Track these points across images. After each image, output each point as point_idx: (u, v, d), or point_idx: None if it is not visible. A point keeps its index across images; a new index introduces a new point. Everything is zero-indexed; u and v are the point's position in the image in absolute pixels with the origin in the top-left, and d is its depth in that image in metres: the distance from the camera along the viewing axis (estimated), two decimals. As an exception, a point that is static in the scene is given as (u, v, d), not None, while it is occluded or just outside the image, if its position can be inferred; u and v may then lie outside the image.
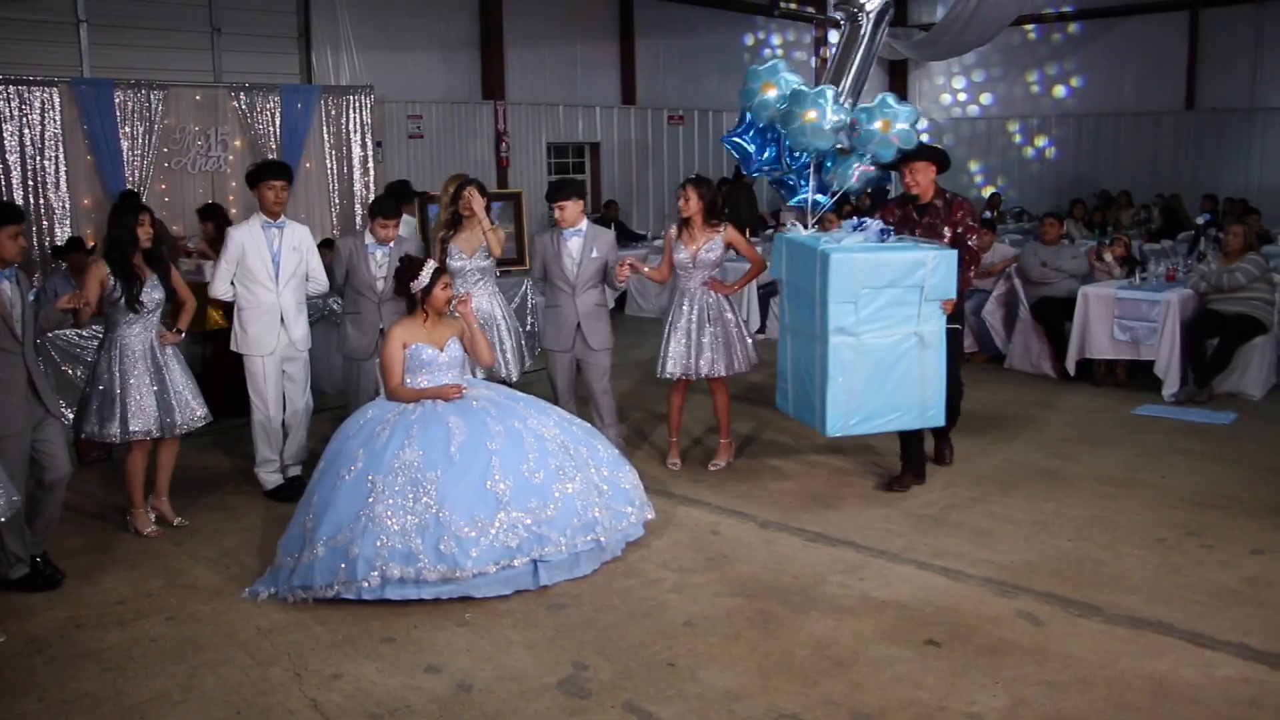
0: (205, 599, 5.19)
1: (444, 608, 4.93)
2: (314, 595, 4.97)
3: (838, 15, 6.65)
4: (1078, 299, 9.29)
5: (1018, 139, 20.69)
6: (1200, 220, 14.02)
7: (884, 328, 6.01)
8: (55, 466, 5.36)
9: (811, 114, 6.73)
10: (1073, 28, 19.88)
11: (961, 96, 21.52)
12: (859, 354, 6.00)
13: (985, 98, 21.19)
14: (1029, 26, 19.97)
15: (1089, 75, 19.85)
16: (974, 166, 21.26)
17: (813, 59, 19.97)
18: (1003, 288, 10.24)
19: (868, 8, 6.57)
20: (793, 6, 18.55)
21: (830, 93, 6.89)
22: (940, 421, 6.33)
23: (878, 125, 6.63)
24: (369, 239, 6.87)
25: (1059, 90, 20.22)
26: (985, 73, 21.01)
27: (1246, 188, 17.30)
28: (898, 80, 21.95)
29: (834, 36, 20.03)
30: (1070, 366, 9.41)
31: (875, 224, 6.34)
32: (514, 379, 7.14)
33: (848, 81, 6.42)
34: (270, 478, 6.72)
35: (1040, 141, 20.43)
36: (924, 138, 21.66)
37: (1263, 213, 14.66)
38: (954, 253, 6.11)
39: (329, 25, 12.86)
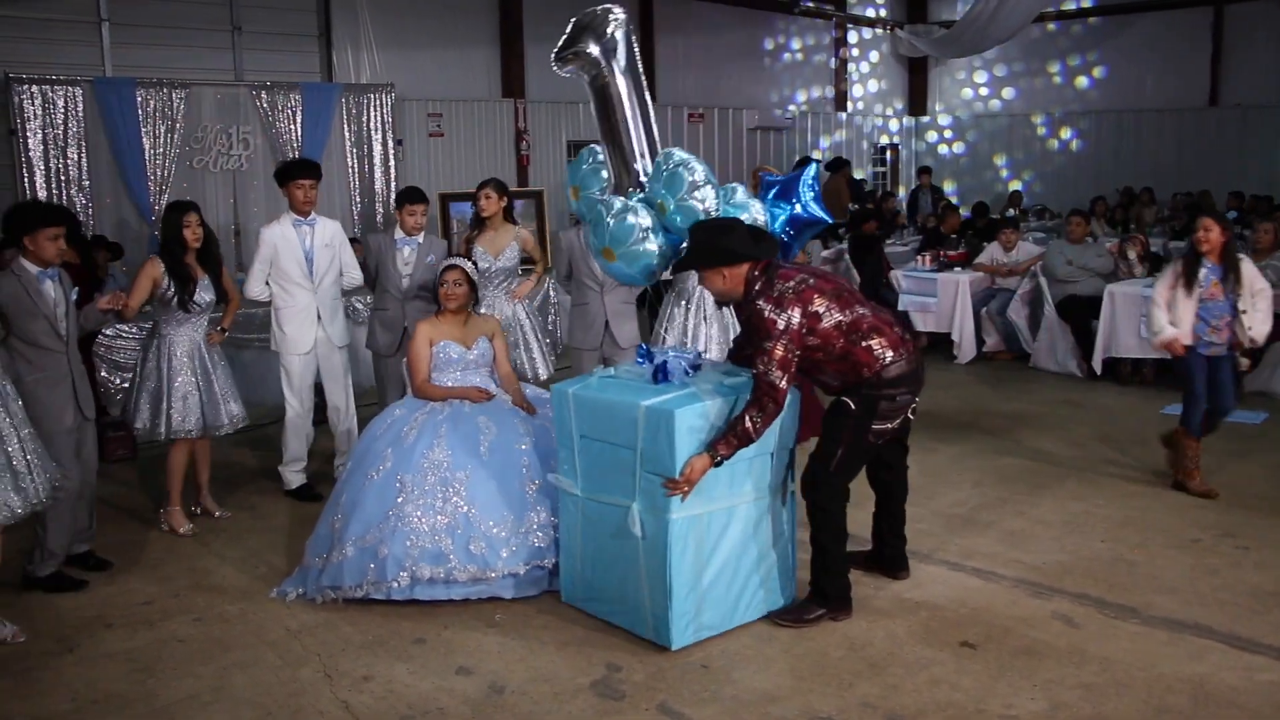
0: (233, 599, 5.17)
1: (474, 609, 4.90)
2: (343, 595, 4.95)
3: (574, 72, 5.23)
4: (1104, 298, 9.21)
5: (1042, 131, 20.56)
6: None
7: (600, 491, 4.65)
8: (86, 467, 5.40)
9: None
10: (1094, 35, 19.75)
11: (984, 91, 21.39)
12: (579, 514, 4.77)
13: (1007, 91, 21.07)
14: (1050, 25, 19.84)
15: (1111, 71, 19.72)
16: (999, 160, 21.16)
17: (832, 60, 19.90)
18: (1028, 286, 10.17)
19: (604, 55, 5.02)
20: (812, 5, 18.47)
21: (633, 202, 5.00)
22: (667, 643, 4.47)
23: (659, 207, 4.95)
24: (398, 234, 6.89)
25: (1081, 81, 20.06)
26: (1007, 67, 20.89)
27: (1272, 184, 17.13)
28: (918, 78, 21.86)
29: (853, 36, 20.14)
30: (1096, 365, 9.34)
31: (669, 356, 4.72)
32: (543, 378, 7.14)
33: (636, 143, 5.10)
34: (295, 477, 6.71)
35: (1065, 133, 20.30)
36: (942, 135, 20.92)
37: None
38: (682, 411, 4.34)
39: (349, 24, 12.83)
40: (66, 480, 5.04)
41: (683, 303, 6.88)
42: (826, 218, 5.34)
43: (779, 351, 4.42)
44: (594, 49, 4.97)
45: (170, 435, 5.96)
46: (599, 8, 5.06)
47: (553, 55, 5.15)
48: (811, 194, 5.43)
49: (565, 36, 5.06)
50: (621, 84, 5.04)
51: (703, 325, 6.79)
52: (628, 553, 4.56)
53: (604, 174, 5.28)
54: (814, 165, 5.74)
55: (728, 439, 4.38)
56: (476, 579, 4.85)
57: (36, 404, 5.03)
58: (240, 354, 8.19)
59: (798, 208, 5.53)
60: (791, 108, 19.11)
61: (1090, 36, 19.91)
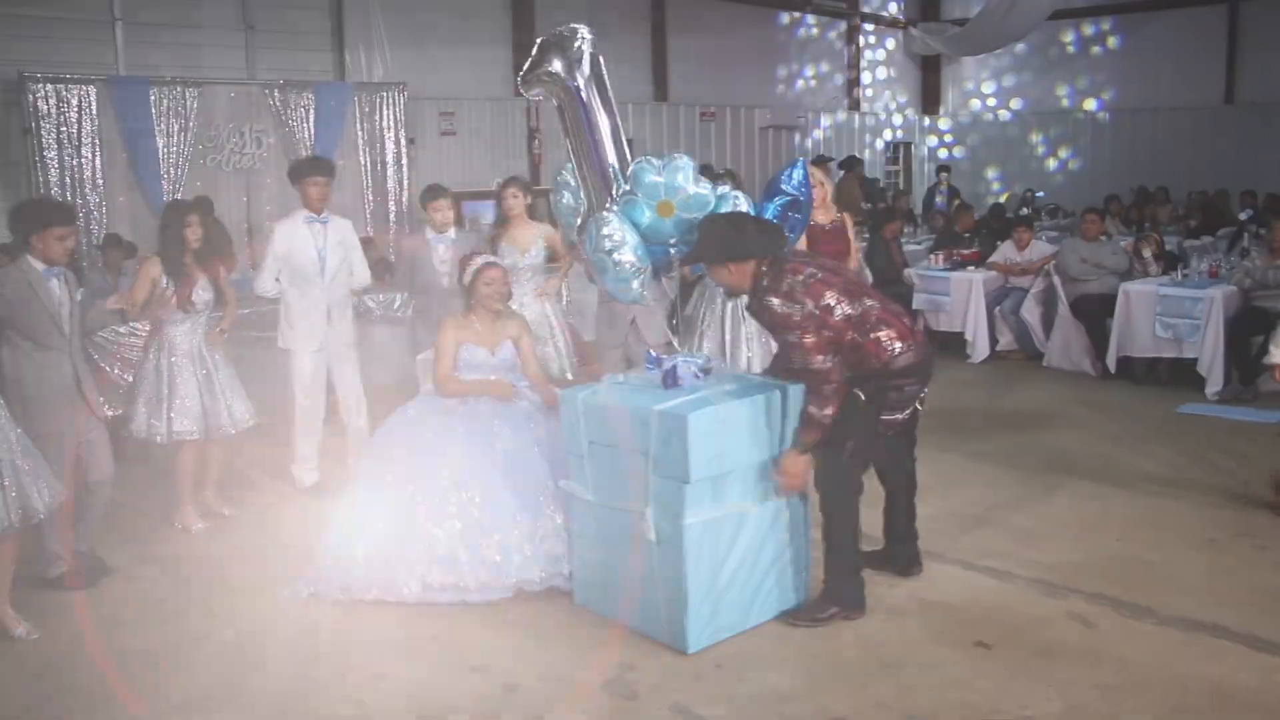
0: (246, 597, 5.17)
1: (488, 608, 4.88)
2: (355, 597, 4.94)
3: (537, 95, 5.23)
4: (1119, 296, 9.16)
5: (1040, 150, 20.51)
6: (1242, 216, 13.81)
7: (611, 497, 4.62)
8: (98, 466, 5.38)
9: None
10: (1110, 34, 19.66)
11: (991, 101, 21.31)
12: (590, 519, 4.75)
13: (1015, 103, 20.99)
14: (1069, 45, 19.77)
15: (1125, 70, 19.62)
16: (991, 173, 21.07)
17: (845, 58, 19.85)
18: (1041, 285, 10.12)
19: (570, 73, 4.99)
20: (825, 2, 18.42)
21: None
22: (683, 646, 4.43)
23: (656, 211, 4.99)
24: (430, 233, 6.92)
25: (1090, 103, 19.98)
26: (1016, 77, 20.79)
27: (1288, 182, 17.03)
28: (930, 77, 21.78)
29: (867, 28, 20.06)
30: (1110, 364, 9.29)
31: (678, 361, 4.71)
32: (570, 376, 7.11)
33: (608, 158, 5.14)
34: (307, 475, 6.70)
35: (1064, 152, 20.23)
36: (943, 139, 20.75)
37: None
38: (695, 415, 4.26)
39: (361, 22, 12.84)
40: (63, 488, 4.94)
41: (717, 302, 6.81)
42: (799, 195, 5.33)
43: (808, 339, 4.44)
44: (558, 66, 4.97)
45: (170, 437, 5.91)
46: (565, 27, 5.06)
47: (519, 77, 5.15)
48: (792, 182, 5.43)
49: (531, 58, 5.06)
50: (589, 100, 5.05)
51: (741, 325, 6.73)
52: (641, 558, 4.52)
53: (568, 194, 5.35)
54: (800, 162, 5.75)
55: (806, 429, 4.52)
56: (489, 585, 4.83)
57: (34, 404, 5.02)
58: (265, 353, 8.19)
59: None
60: (801, 86, 19.02)
61: (1107, 58, 19.78)
